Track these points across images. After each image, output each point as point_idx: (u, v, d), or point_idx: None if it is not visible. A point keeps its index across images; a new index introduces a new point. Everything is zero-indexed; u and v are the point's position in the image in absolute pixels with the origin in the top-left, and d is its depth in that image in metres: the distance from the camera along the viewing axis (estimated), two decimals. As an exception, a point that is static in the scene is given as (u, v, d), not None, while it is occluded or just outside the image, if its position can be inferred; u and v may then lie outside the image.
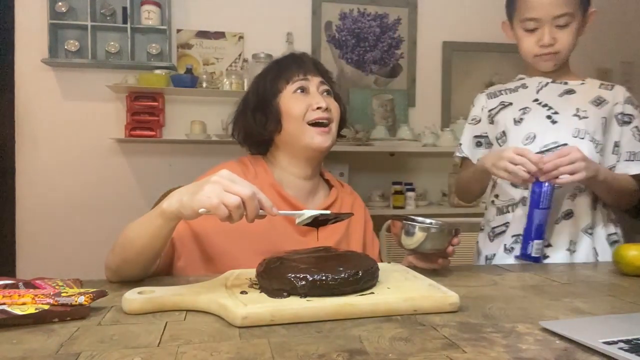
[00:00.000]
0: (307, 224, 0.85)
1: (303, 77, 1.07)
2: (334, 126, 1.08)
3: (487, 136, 1.33)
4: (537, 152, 1.14)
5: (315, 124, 1.05)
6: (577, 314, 0.71)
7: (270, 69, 1.13)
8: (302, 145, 1.05)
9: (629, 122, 1.21)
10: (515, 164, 1.05)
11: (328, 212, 0.85)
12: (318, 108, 1.04)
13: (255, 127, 1.09)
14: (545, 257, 1.16)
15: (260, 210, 0.75)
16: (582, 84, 1.24)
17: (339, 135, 1.15)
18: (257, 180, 1.04)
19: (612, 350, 0.53)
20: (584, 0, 1.17)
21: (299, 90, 1.06)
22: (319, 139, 1.04)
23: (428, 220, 0.98)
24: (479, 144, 1.34)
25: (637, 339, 0.56)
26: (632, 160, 1.19)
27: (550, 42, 1.16)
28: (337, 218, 0.89)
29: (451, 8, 3.02)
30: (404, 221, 0.94)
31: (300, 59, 1.11)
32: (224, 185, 0.72)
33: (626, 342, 0.55)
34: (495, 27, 3.44)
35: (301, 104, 1.05)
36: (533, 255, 1.11)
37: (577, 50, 1.22)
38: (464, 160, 1.36)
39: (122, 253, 0.84)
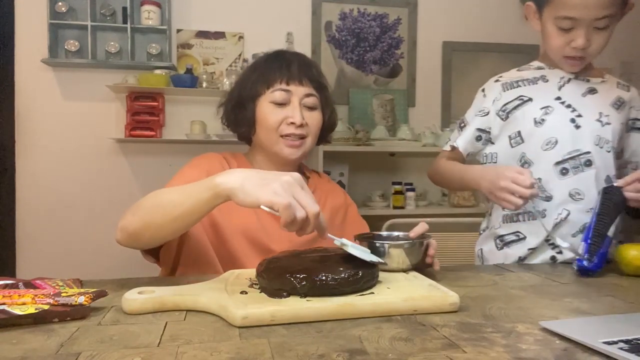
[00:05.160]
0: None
1: (285, 87, 1.04)
2: (308, 140, 1.07)
3: (489, 132, 1.21)
4: (559, 161, 1.10)
5: (287, 135, 1.04)
6: (577, 314, 0.70)
7: (257, 66, 1.10)
8: (273, 152, 1.06)
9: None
10: (513, 190, 0.99)
11: (376, 260, 0.77)
12: (292, 123, 1.03)
13: (233, 123, 1.11)
14: (554, 260, 1.13)
15: None
16: (603, 81, 1.17)
17: (325, 141, 1.17)
18: None
19: (612, 350, 0.53)
20: None
21: (278, 100, 1.04)
22: (288, 151, 1.05)
23: (395, 234, 0.96)
24: (478, 138, 1.22)
25: (637, 339, 0.56)
26: None
27: (585, 46, 1.06)
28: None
29: (451, 8, 3.02)
30: (372, 241, 0.87)
31: (288, 63, 1.06)
32: (294, 192, 0.69)
33: (626, 342, 0.55)
34: (495, 27, 3.42)
35: (276, 117, 1.04)
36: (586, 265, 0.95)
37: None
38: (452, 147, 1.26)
39: (149, 217, 0.80)
